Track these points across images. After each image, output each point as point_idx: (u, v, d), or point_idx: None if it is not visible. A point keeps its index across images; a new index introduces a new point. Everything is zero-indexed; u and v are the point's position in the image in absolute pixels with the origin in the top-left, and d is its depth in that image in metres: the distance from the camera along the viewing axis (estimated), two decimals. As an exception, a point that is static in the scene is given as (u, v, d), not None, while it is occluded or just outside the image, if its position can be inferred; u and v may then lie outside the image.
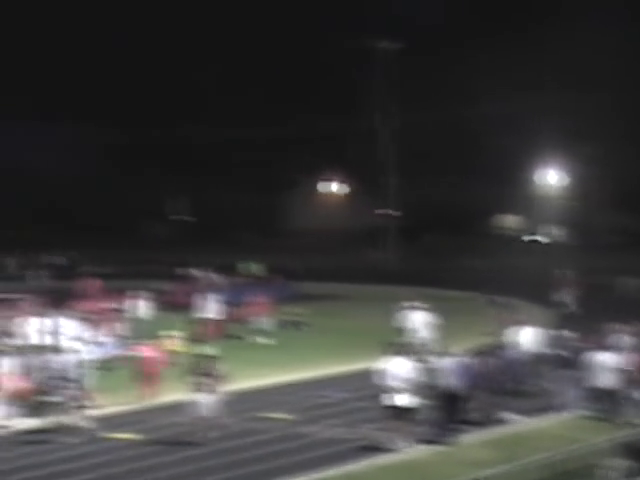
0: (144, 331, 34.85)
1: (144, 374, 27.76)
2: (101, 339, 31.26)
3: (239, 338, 38.71)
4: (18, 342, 30.42)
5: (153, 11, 78.69)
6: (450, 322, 35.71)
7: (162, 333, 32.59)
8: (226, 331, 38.59)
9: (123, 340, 33.99)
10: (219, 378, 23.90)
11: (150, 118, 77.03)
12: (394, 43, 69.42)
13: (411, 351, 26.52)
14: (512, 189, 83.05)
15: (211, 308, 39.31)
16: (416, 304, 34.09)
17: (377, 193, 73.55)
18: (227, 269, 48.40)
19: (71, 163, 73.73)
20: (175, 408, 25.57)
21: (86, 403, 25.60)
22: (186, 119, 78.09)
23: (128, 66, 77.33)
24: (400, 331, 32.95)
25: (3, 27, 74.34)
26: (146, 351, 28.72)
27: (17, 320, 32.55)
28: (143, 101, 77.32)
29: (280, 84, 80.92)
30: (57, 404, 27.18)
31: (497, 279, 50.98)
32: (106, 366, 30.45)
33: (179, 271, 48.92)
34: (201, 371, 24.03)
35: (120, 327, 35.15)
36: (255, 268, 51.13)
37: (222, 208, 77.98)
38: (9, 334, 31.11)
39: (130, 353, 29.85)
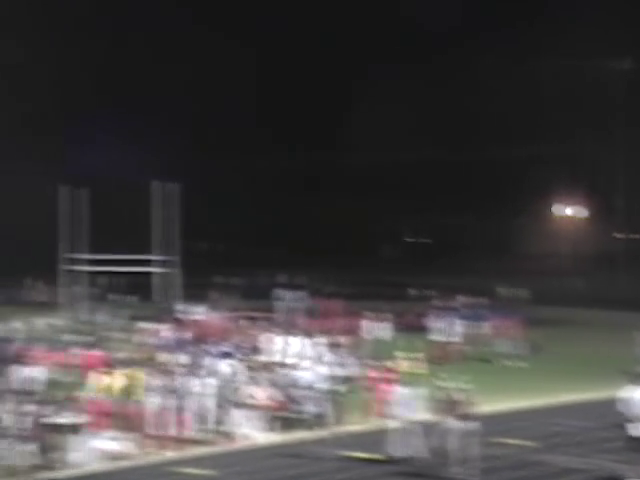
0: (381, 352, 35.60)
1: (378, 395, 28.46)
2: (341, 358, 32.17)
3: (485, 361, 38.68)
4: (265, 358, 31.81)
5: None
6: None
7: (399, 354, 33.23)
8: (463, 354, 38.88)
9: (361, 360, 34.80)
10: (463, 404, 23.88)
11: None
12: (621, 62, 67.69)
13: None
14: None
15: (448, 330, 39.74)
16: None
17: (612, 216, 71.81)
18: (475, 292, 48.20)
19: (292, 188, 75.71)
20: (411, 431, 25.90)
21: (329, 420, 26.54)
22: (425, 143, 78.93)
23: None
24: (640, 359, 32.36)
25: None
26: (380, 372, 29.43)
27: (263, 337, 34.02)
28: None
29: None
30: (302, 420, 28.38)
31: None
32: (345, 385, 31.35)
33: (415, 293, 49.61)
34: (445, 397, 24.07)
35: (359, 347, 35.99)
36: (508, 292, 50.97)
37: (458, 231, 78.30)
38: (257, 350, 32.54)
39: (367, 374, 30.50)
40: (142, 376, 27.51)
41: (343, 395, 28.40)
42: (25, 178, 64.89)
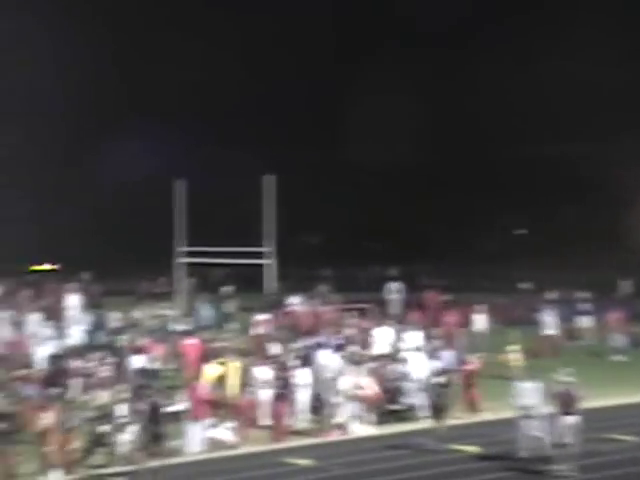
0: (482, 345, 35.59)
1: (471, 387, 28.49)
2: (444, 351, 32.20)
3: (592, 355, 38.25)
4: (371, 351, 32.04)
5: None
6: None
7: (501, 348, 33.16)
8: (564, 347, 38.54)
9: (461, 353, 34.73)
10: (573, 398, 23.44)
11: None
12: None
13: None
14: None
15: (549, 323, 39.43)
16: None
17: None
18: (584, 285, 47.45)
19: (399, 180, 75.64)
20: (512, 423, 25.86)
21: (431, 413, 26.67)
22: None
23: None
24: None
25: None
26: (478, 365, 29.48)
27: (369, 330, 34.24)
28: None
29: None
30: (405, 412, 28.60)
31: None
32: (448, 378, 31.38)
33: (516, 285, 49.26)
34: (561, 391, 23.51)
35: (459, 340, 35.89)
36: (624, 285, 50.07)
37: (564, 223, 77.25)
38: (363, 343, 32.78)
39: (467, 367, 30.45)
40: (248, 366, 28.01)
41: (447, 388, 28.47)
42: (143, 171, 66.27)
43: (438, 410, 26.25)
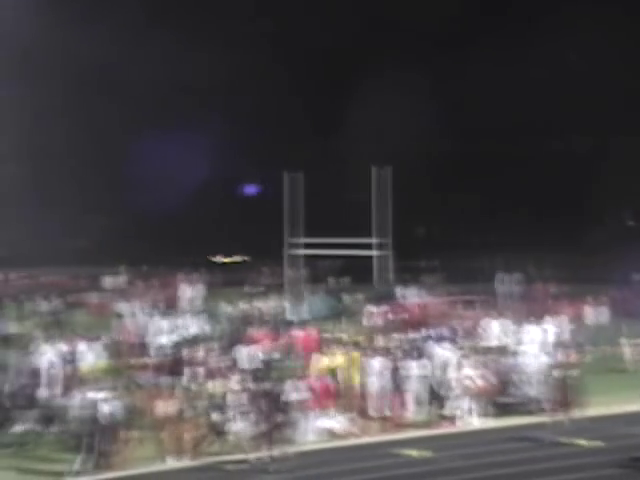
0: (600, 337, 35.09)
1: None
2: (559, 343, 31.89)
3: None
4: (483, 342, 31.94)
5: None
6: None
7: (615, 340, 32.68)
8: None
9: (578, 346, 34.33)
10: None
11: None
12: None
13: None
14: None
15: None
16: None
17: None
18: None
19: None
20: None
21: (550, 406, 26.45)
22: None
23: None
24: None
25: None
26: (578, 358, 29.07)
27: (482, 321, 34.12)
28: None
29: None
30: (519, 405, 28.41)
31: None
32: (563, 370, 31.01)
33: (633, 277, 48.44)
34: None
35: (574, 333, 35.47)
36: None
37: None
38: (475, 334, 32.71)
39: (584, 359, 30.03)
40: (361, 357, 28.16)
41: (562, 380, 28.14)
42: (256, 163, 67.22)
43: (558, 403, 25.97)
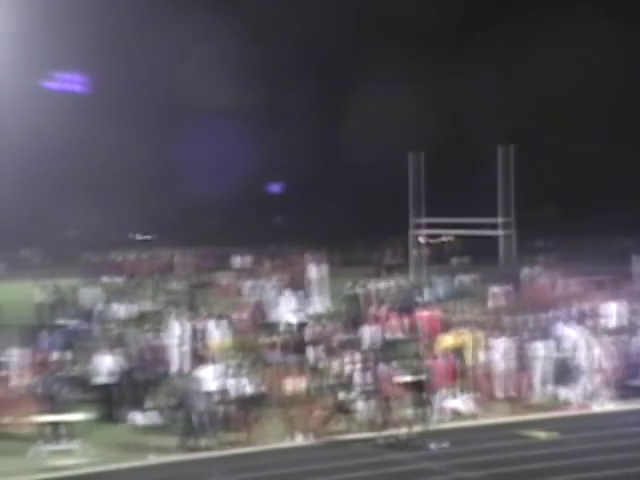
0: None
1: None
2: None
3: None
4: (610, 324, 31.49)
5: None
6: None
7: None
8: None
9: None
10: None
11: None
12: None
13: None
14: None
15: None
16: None
17: None
18: None
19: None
20: None
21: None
22: None
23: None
24: None
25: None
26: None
27: (609, 303, 33.63)
28: None
29: None
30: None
31: None
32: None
33: None
34: None
35: None
36: None
37: None
38: (602, 316, 32.28)
39: None
40: (485, 338, 28.08)
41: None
42: (379, 144, 67.23)
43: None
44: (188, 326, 30.58)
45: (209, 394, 24.19)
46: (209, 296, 40.88)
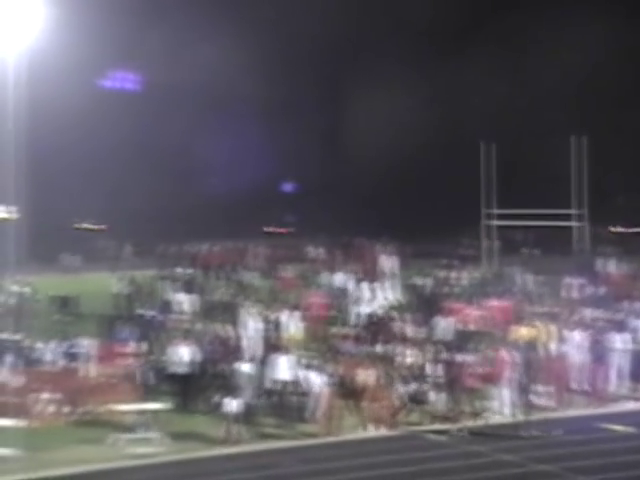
0: None
1: None
2: None
3: None
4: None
5: None
6: None
7: None
8: None
9: None
10: None
11: None
12: None
13: None
14: None
15: None
16: None
17: None
18: None
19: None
20: None
21: None
22: None
23: None
24: None
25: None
26: None
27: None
28: None
29: None
30: None
31: None
32: None
33: None
34: None
35: None
36: None
37: None
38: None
39: None
40: (560, 330, 27.81)
41: None
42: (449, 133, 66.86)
43: None
44: (261, 317, 30.75)
45: (284, 384, 24.31)
46: (281, 287, 41.01)
